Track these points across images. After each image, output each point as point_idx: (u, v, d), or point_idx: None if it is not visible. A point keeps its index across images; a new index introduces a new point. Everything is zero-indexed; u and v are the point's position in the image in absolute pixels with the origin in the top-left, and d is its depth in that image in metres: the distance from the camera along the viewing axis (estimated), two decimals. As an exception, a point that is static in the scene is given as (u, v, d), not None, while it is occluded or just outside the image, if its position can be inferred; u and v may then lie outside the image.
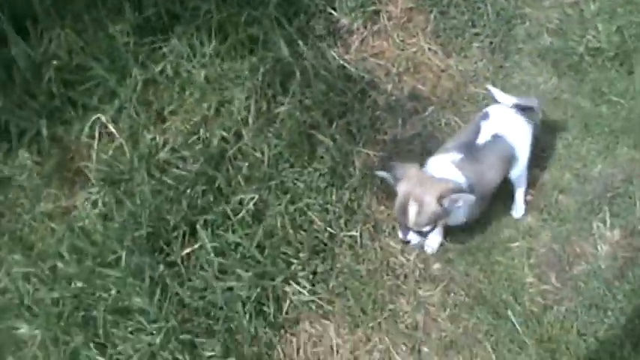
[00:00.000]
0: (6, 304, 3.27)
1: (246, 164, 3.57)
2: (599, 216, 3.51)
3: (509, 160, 3.30)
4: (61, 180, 3.65)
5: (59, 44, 3.84)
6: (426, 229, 3.01)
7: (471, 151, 3.18)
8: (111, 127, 3.64)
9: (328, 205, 3.52)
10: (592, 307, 3.27)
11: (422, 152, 3.68)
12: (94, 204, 3.50)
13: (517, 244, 3.48)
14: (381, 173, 3.10)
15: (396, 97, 3.95)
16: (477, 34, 4.15)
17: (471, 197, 2.98)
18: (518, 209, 3.57)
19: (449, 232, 3.47)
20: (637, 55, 3.97)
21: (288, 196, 3.50)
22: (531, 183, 3.57)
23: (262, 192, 3.50)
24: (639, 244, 3.42)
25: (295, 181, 3.56)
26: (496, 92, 3.44)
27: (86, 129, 3.68)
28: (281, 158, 3.61)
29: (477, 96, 3.92)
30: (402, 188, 2.99)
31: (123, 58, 3.82)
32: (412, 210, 2.94)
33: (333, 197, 3.53)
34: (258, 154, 3.59)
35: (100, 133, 3.66)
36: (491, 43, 4.13)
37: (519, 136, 3.31)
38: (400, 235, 3.10)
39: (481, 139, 3.22)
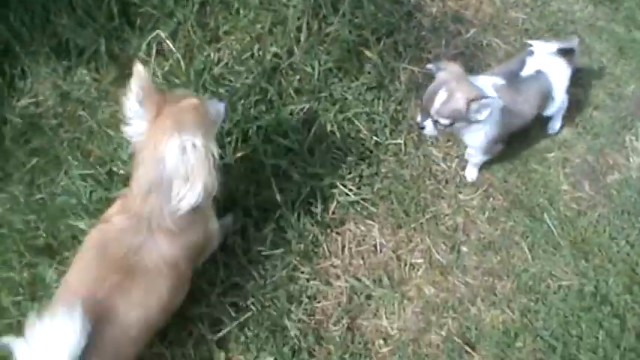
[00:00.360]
0: (65, 202, 3.46)
1: (298, 77, 3.76)
2: (632, 131, 3.71)
3: (546, 97, 3.45)
4: (119, 95, 3.88)
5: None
6: (443, 121, 3.15)
7: (512, 80, 3.33)
8: (169, 43, 3.82)
9: (375, 115, 3.72)
10: (624, 213, 3.46)
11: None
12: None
13: (553, 154, 3.67)
14: (429, 66, 3.26)
15: (440, 19, 4.10)
16: None
17: (497, 103, 3.15)
18: (553, 126, 3.72)
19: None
20: None
21: (337, 106, 3.69)
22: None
23: (312, 103, 3.70)
24: (670, 156, 3.60)
25: (344, 93, 3.75)
26: (537, 44, 3.51)
27: (144, 46, 3.87)
28: (330, 73, 3.80)
29: (516, 20, 4.08)
30: (439, 76, 3.15)
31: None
32: (440, 98, 3.09)
33: (380, 108, 3.73)
34: (308, 69, 3.77)
35: (157, 50, 3.85)
36: (527, -29, 4.26)
37: (559, 77, 3.43)
38: (419, 118, 3.27)
39: (525, 72, 3.37)
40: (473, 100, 3.06)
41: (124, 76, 3.83)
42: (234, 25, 3.95)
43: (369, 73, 3.80)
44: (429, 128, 3.24)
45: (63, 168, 3.59)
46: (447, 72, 3.16)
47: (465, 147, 3.53)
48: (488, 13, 4.14)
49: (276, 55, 3.82)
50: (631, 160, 3.61)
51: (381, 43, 3.86)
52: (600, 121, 3.74)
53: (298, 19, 3.87)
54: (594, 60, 3.90)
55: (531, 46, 3.48)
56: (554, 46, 3.46)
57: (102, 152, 3.63)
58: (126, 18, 3.97)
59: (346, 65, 3.79)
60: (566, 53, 3.45)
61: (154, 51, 3.87)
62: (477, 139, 3.35)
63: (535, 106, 3.41)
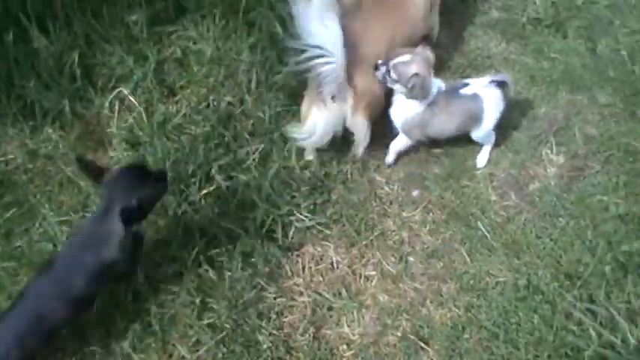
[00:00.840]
0: (43, 248, 3.77)
1: (251, 122, 4.20)
2: (547, 145, 4.17)
3: (475, 119, 3.94)
4: (85, 148, 4.21)
5: (79, 35, 4.41)
6: (392, 75, 3.76)
7: (452, 91, 3.89)
8: (131, 99, 4.25)
9: (322, 149, 4.12)
10: (546, 215, 3.90)
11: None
12: (118, 162, 4.08)
13: (480, 171, 4.12)
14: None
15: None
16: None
17: (429, 93, 3.81)
18: (480, 160, 4.16)
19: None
20: (568, 23, 4.68)
21: (289, 144, 4.11)
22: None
23: (266, 143, 4.12)
24: (579, 165, 4.08)
25: (293, 134, 4.18)
26: (472, 80, 4.01)
27: (107, 103, 4.27)
28: (279, 116, 4.23)
29: (440, 58, 4.43)
30: (416, 49, 3.81)
31: (138, 43, 4.44)
32: (402, 58, 3.75)
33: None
34: (260, 114, 4.22)
35: (119, 106, 4.27)
36: (449, 18, 4.76)
37: (492, 105, 3.92)
38: (379, 61, 3.81)
39: (464, 91, 3.90)
40: (417, 74, 3.67)
41: (88, 132, 4.25)
42: (190, 79, 4.40)
43: (316, 112, 4.23)
44: (380, 72, 3.80)
45: (38, 218, 3.90)
46: (420, 50, 3.79)
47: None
48: (413, 52, 4.64)
49: (230, 103, 4.27)
50: (548, 170, 4.09)
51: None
52: (519, 140, 4.23)
53: (248, 70, 4.33)
54: (511, 89, 4.42)
55: (467, 83, 4.00)
56: (486, 78, 3.98)
57: (73, 202, 3.97)
58: (88, 79, 4.37)
59: (294, 108, 4.21)
60: (501, 85, 3.94)
61: (116, 107, 4.27)
62: (401, 114, 3.93)
63: (459, 122, 3.93)
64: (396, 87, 3.84)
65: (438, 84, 3.85)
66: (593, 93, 4.38)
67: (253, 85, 4.30)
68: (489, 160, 4.15)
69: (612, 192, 3.91)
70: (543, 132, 4.26)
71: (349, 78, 3.71)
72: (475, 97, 3.89)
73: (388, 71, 3.77)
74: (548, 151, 4.17)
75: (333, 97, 3.74)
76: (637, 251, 3.60)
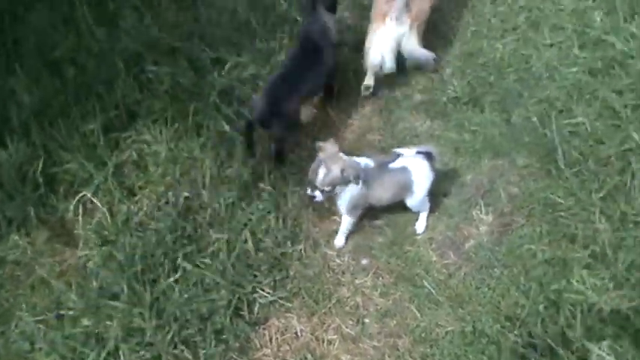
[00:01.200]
0: (20, 347, 4.08)
1: (209, 213, 4.56)
2: (477, 207, 4.63)
3: (406, 189, 4.38)
4: (53, 250, 4.51)
5: (38, 145, 4.80)
6: (327, 188, 4.13)
7: (381, 166, 4.30)
8: (95, 201, 4.59)
9: (277, 232, 4.53)
10: (482, 268, 4.35)
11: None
12: (88, 260, 4.41)
13: (420, 236, 4.56)
14: (317, 143, 4.25)
15: (309, 146, 4.94)
16: (367, 99, 5.32)
17: (362, 173, 4.15)
18: (419, 226, 4.60)
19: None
20: (484, 98, 5.22)
21: (247, 228, 4.49)
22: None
23: (225, 231, 4.47)
24: (507, 220, 4.54)
25: (248, 221, 4.54)
26: (401, 150, 4.44)
27: (71, 207, 4.59)
28: (234, 206, 4.60)
29: (373, 142, 5.06)
30: (319, 156, 4.14)
31: (96, 150, 4.82)
32: (321, 172, 4.08)
33: (280, 225, 4.55)
34: (216, 205, 4.59)
35: (83, 209, 4.60)
36: (378, 104, 5.31)
37: (421, 176, 4.35)
38: (308, 191, 4.21)
39: (394, 165, 4.32)
40: (344, 169, 4.07)
41: (55, 236, 4.55)
42: (148, 179, 4.77)
43: (267, 200, 4.65)
44: (319, 197, 4.18)
45: (14, 319, 4.18)
46: (324, 151, 4.15)
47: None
48: (351, 139, 5.12)
49: (187, 198, 4.64)
50: (480, 228, 4.55)
51: (272, 176, 4.76)
52: (451, 205, 4.69)
53: (201, 167, 4.73)
54: (438, 160, 4.85)
55: (399, 153, 4.42)
56: (413, 150, 4.42)
57: (46, 302, 4.25)
58: (50, 186, 4.70)
59: (247, 198, 4.64)
60: (428, 156, 4.39)
61: (80, 210, 4.59)
62: (345, 200, 4.29)
63: (392, 192, 4.37)
64: (338, 190, 4.21)
65: (364, 162, 4.26)
66: (512, 157, 4.88)
67: (207, 180, 4.69)
68: (427, 226, 4.59)
69: (537, 241, 4.38)
70: (472, 196, 4.74)
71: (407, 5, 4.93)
72: (404, 169, 4.33)
73: (322, 190, 4.15)
74: (478, 212, 4.64)
75: (395, 19, 4.89)
76: (565, 289, 4.06)
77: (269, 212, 4.62)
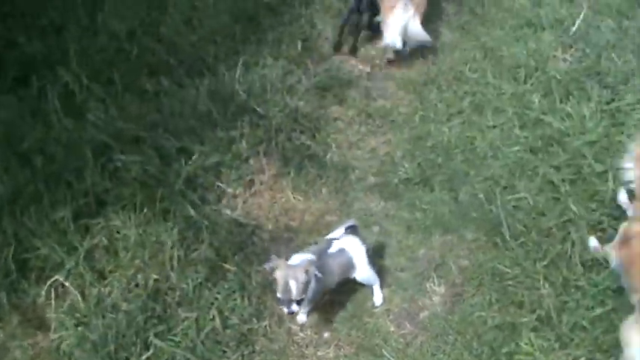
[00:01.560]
0: None
1: (178, 294, 4.79)
2: (430, 280, 4.95)
3: (349, 266, 4.69)
4: (25, 334, 4.66)
5: (9, 233, 4.96)
6: (302, 295, 4.28)
7: (322, 255, 4.58)
8: (67, 284, 4.75)
9: (242, 310, 4.76)
10: (437, 336, 4.63)
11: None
12: (61, 342, 4.57)
13: (378, 308, 4.84)
14: (266, 265, 4.41)
15: (275, 232, 5.30)
16: (324, 183, 5.63)
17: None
18: (376, 299, 4.88)
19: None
20: (434, 179, 5.58)
21: (215, 306, 4.72)
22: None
23: (194, 311, 4.71)
24: (458, 291, 4.88)
25: (215, 300, 4.78)
26: (332, 235, 4.82)
27: (42, 292, 4.75)
28: (202, 286, 4.83)
29: (331, 223, 5.32)
30: (279, 274, 4.29)
31: (67, 236, 4.98)
32: (293, 285, 4.23)
33: (246, 303, 4.78)
34: (184, 286, 4.82)
35: (55, 293, 4.76)
36: (335, 187, 5.63)
37: (357, 251, 4.68)
38: (286, 310, 4.32)
39: (331, 250, 4.65)
40: (307, 269, 4.28)
41: (27, 320, 4.70)
42: (118, 263, 4.92)
43: (232, 279, 4.89)
44: (297, 308, 4.32)
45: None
46: (280, 267, 4.32)
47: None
48: (310, 221, 5.41)
49: (156, 280, 4.83)
50: (433, 299, 4.85)
51: (236, 257, 5.02)
52: (406, 279, 4.99)
53: (170, 249, 4.95)
54: (392, 238, 5.20)
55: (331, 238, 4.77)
56: (342, 228, 4.76)
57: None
58: (21, 272, 4.84)
59: (213, 278, 4.88)
60: (354, 232, 4.73)
61: (52, 294, 4.76)
62: (308, 296, 4.45)
63: (338, 273, 4.66)
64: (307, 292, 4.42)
65: (309, 257, 4.50)
66: (461, 232, 5.23)
67: (175, 262, 4.91)
68: (384, 299, 4.88)
69: (488, 308, 4.71)
70: (425, 269, 5.05)
71: None
72: (342, 251, 4.66)
73: (299, 301, 4.30)
74: (432, 284, 4.95)
75: (404, 6, 6.32)
76: (515, 351, 4.41)
77: (234, 291, 4.84)
